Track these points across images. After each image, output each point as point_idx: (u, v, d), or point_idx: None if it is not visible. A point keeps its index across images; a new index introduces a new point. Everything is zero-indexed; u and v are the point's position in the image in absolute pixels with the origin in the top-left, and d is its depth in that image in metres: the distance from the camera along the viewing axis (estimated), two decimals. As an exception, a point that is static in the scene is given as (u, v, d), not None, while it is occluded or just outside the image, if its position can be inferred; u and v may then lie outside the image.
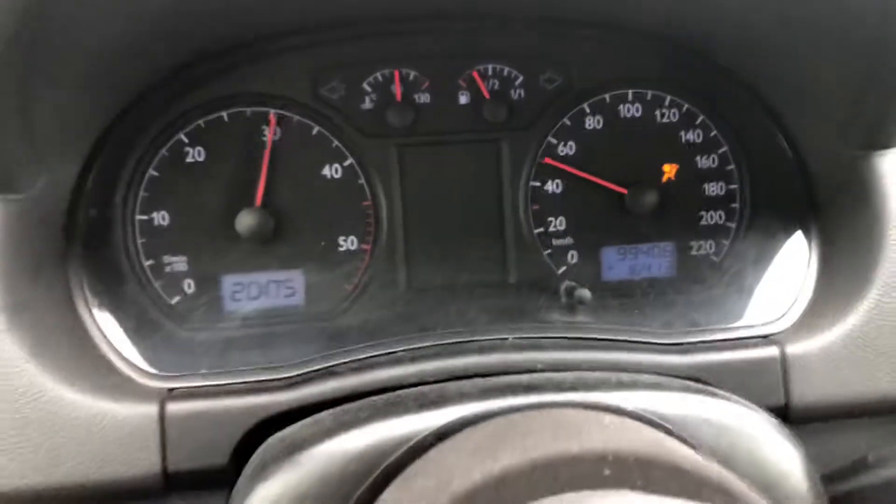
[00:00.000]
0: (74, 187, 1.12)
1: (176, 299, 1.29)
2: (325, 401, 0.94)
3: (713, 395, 0.82)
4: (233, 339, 1.26)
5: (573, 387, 0.80)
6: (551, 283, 1.37)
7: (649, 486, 0.59)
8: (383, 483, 0.69)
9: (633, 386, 0.81)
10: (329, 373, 1.00)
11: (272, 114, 1.32)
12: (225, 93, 1.30)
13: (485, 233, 1.39)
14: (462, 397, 0.78)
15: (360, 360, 1.03)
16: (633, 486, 0.59)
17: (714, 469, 0.63)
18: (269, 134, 1.31)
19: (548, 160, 1.39)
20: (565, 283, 1.30)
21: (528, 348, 1.04)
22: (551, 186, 1.40)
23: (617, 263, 1.41)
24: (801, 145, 1.28)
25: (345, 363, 1.03)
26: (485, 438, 0.70)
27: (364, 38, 1.35)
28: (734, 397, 0.83)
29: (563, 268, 1.40)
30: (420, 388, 0.87)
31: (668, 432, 0.74)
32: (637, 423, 0.73)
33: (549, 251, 1.40)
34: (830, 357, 1.07)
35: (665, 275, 1.42)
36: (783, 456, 0.78)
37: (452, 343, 1.07)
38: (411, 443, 0.72)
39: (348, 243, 1.35)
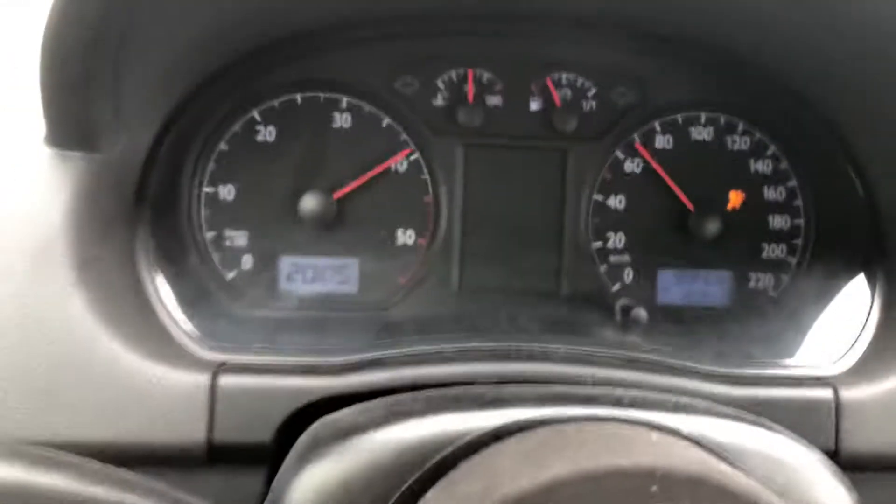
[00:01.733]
0: (149, 153, 1.14)
1: (233, 274, 1.31)
2: (374, 390, 0.95)
3: (770, 429, 0.81)
4: (285, 320, 1.27)
5: (631, 404, 0.79)
6: (605, 299, 1.36)
7: (696, 506, 0.59)
8: (431, 478, 0.69)
9: (690, 410, 0.80)
10: (379, 363, 1.01)
11: (347, 102, 1.33)
12: (301, 77, 1.32)
13: (542, 241, 1.39)
14: (519, 401, 0.78)
15: (410, 353, 1.03)
16: None
17: (761, 492, 0.62)
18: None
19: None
20: (621, 301, 1.29)
21: (579, 362, 1.03)
22: (614, 202, 1.39)
23: (673, 287, 1.40)
24: (873, 185, 1.24)
25: (395, 355, 1.03)
26: (536, 445, 0.70)
27: (442, 36, 1.36)
28: (791, 434, 0.81)
29: (618, 285, 1.39)
30: (477, 386, 0.87)
31: (720, 457, 0.73)
32: (688, 444, 0.73)
33: (606, 267, 1.39)
34: (886, 405, 1.04)
35: (721, 304, 1.40)
36: (837, 500, 0.76)
37: (504, 347, 1.06)
38: (464, 440, 0.72)
39: (406, 237, 1.36)
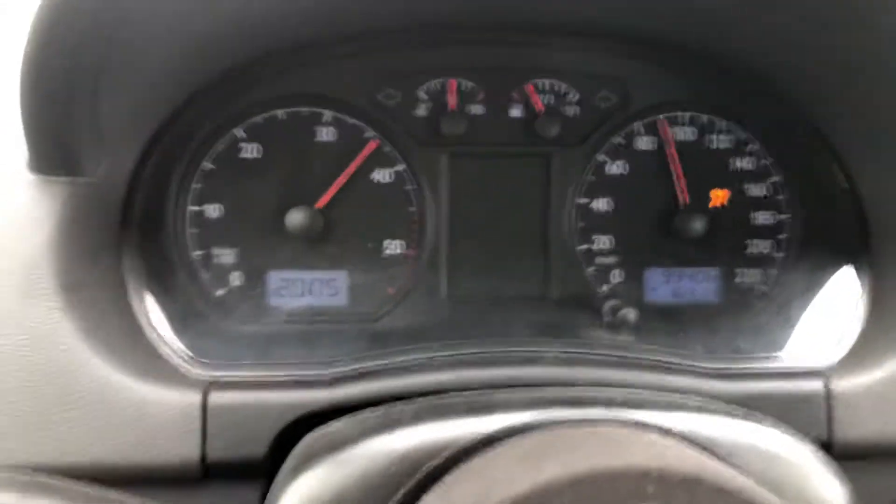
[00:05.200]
0: (133, 175, 1.14)
1: (222, 292, 1.31)
2: (365, 401, 0.95)
3: (762, 422, 0.81)
4: (276, 335, 1.27)
5: (623, 404, 0.79)
6: (593, 301, 1.36)
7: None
8: (425, 486, 0.69)
9: (682, 408, 0.81)
10: (371, 374, 1.01)
11: (333, 116, 1.34)
12: (283, 92, 1.33)
13: (530, 247, 1.39)
14: (510, 406, 0.78)
15: (401, 363, 1.04)
16: None
17: (757, 491, 0.63)
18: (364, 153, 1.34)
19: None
20: (611, 303, 1.30)
21: (571, 364, 1.03)
22: (599, 204, 1.40)
23: (661, 286, 1.40)
24: (856, 178, 1.25)
25: (386, 365, 1.03)
26: (529, 449, 0.70)
27: (422, 47, 1.37)
28: (783, 427, 0.82)
29: (606, 286, 1.40)
30: (467, 393, 0.87)
31: (714, 455, 0.73)
32: (682, 443, 0.73)
33: (593, 269, 1.40)
34: (877, 395, 1.04)
35: (710, 300, 1.41)
36: (831, 492, 0.76)
37: (494, 353, 1.07)
38: (456, 447, 0.72)
39: (393, 248, 1.36)
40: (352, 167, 1.34)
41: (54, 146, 0.94)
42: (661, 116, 1.40)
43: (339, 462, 0.73)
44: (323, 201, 1.33)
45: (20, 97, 0.87)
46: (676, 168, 1.39)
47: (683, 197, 1.39)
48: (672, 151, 1.39)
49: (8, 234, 0.96)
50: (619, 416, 0.77)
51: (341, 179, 1.34)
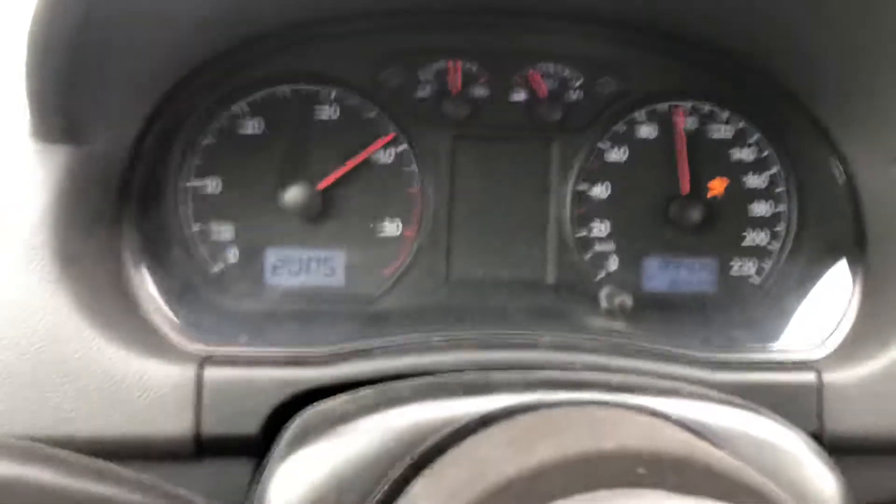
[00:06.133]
0: (133, 147, 1.13)
1: (218, 267, 1.30)
2: (361, 380, 0.95)
3: (755, 411, 0.82)
4: (272, 313, 1.27)
5: (618, 388, 0.80)
6: (590, 287, 1.36)
7: (683, 487, 0.60)
8: (419, 465, 0.69)
9: (676, 394, 0.81)
10: (366, 353, 1.01)
11: (333, 94, 1.33)
12: (286, 69, 1.32)
13: (528, 231, 1.39)
14: (506, 387, 0.79)
15: (397, 343, 1.04)
16: (666, 487, 0.60)
17: (748, 473, 0.63)
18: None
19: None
20: (607, 289, 1.30)
21: (566, 349, 1.04)
22: (598, 190, 1.40)
23: (658, 274, 1.41)
24: (853, 172, 1.26)
25: (382, 345, 1.03)
26: (522, 431, 0.70)
27: (426, 28, 1.36)
28: (776, 416, 0.82)
29: (603, 273, 1.40)
30: (464, 373, 0.87)
31: (706, 438, 0.74)
32: (674, 426, 0.73)
33: (590, 255, 1.40)
34: (869, 388, 1.05)
35: (706, 290, 1.41)
36: (823, 481, 0.77)
37: (490, 335, 1.07)
38: (452, 427, 0.73)
39: (392, 228, 1.36)
40: (363, 155, 1.34)
41: (56, 115, 0.94)
42: (673, 104, 1.40)
43: (333, 439, 0.74)
44: (325, 183, 1.32)
45: (25, 65, 0.87)
46: (682, 156, 1.39)
47: (686, 185, 1.39)
48: (681, 139, 1.39)
49: (7, 201, 0.96)
50: (613, 399, 0.78)
51: (349, 165, 1.33)
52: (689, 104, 1.40)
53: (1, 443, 0.62)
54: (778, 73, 1.31)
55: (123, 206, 1.12)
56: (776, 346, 1.20)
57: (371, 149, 1.34)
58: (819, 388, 1.06)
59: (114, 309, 1.02)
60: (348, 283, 1.35)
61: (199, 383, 0.96)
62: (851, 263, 1.24)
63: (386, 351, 1.01)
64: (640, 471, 0.60)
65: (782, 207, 1.41)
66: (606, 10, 1.32)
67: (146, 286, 1.10)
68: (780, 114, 1.37)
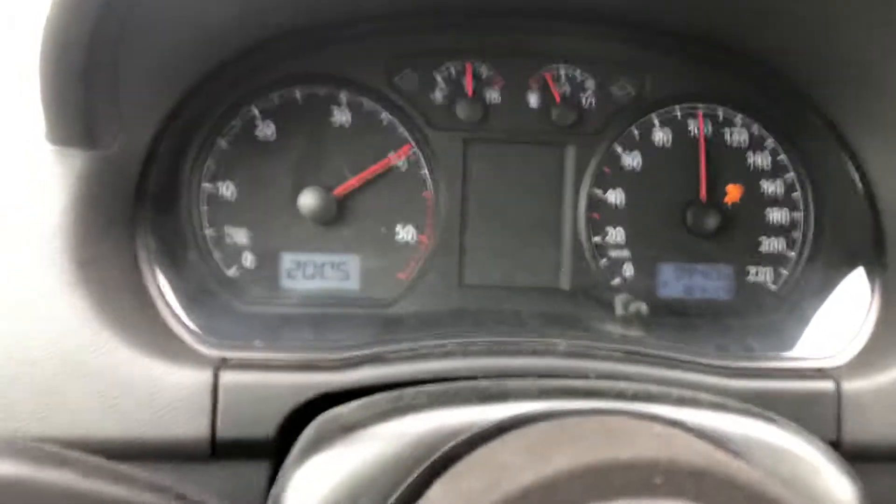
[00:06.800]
0: (148, 151, 1.14)
1: (233, 271, 1.31)
2: (376, 385, 0.95)
3: (773, 420, 0.81)
4: (287, 317, 1.27)
5: (635, 397, 0.79)
6: (605, 293, 1.35)
7: (701, 497, 0.59)
8: (434, 473, 0.69)
9: (693, 403, 0.81)
10: (381, 358, 1.01)
11: (347, 97, 1.34)
12: (300, 72, 1.32)
13: (542, 236, 1.39)
14: (522, 395, 0.78)
15: (412, 349, 1.04)
16: (685, 496, 0.59)
17: (766, 483, 0.62)
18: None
19: None
20: (622, 296, 1.29)
21: (581, 356, 1.03)
22: (613, 196, 1.39)
23: (673, 281, 1.40)
24: (872, 178, 1.25)
25: (397, 351, 1.03)
26: (539, 439, 0.70)
27: (441, 31, 1.36)
28: (794, 425, 0.82)
29: (618, 279, 1.39)
30: (479, 381, 0.87)
31: (723, 447, 0.73)
32: (691, 435, 0.73)
33: (606, 261, 1.39)
34: (888, 396, 1.04)
35: (721, 297, 1.40)
36: (842, 490, 0.76)
37: (505, 342, 1.07)
38: (467, 435, 0.72)
39: (406, 233, 1.36)
40: (382, 164, 1.34)
41: (73, 118, 0.94)
42: (690, 107, 1.39)
43: (349, 445, 0.73)
44: (342, 190, 1.32)
45: (40, 68, 0.87)
46: (702, 161, 1.38)
47: (704, 191, 1.38)
48: (702, 143, 1.38)
49: (24, 205, 0.97)
50: (630, 408, 0.77)
51: (367, 173, 1.34)
52: (703, 108, 1.39)
53: (15, 444, 0.62)
54: (793, 77, 1.30)
55: (139, 209, 1.12)
56: (793, 353, 1.19)
57: (390, 159, 1.34)
58: (837, 397, 1.05)
59: (130, 312, 1.02)
60: (363, 288, 1.35)
61: (215, 387, 0.96)
62: (869, 270, 1.23)
63: (400, 356, 1.01)
64: (658, 480, 0.60)
65: (799, 214, 1.41)
66: (621, 13, 1.32)
67: (162, 289, 1.10)
68: (795, 118, 1.37)
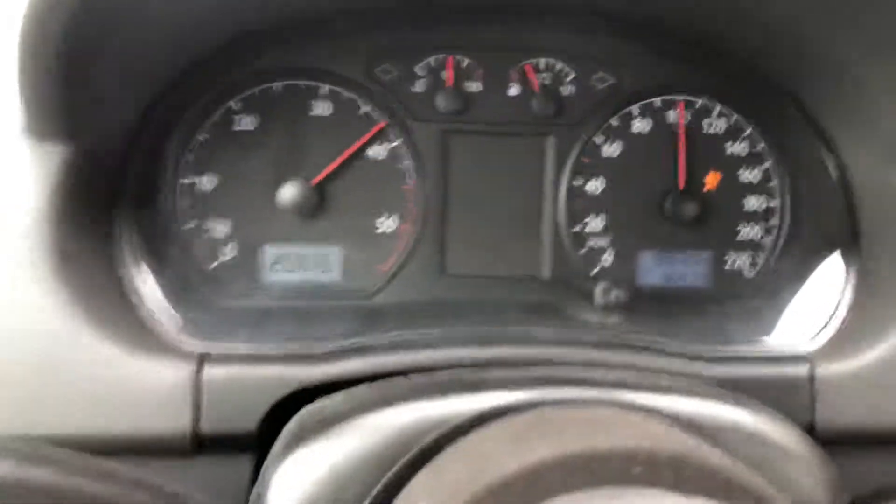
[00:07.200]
0: (127, 144, 1.13)
1: (214, 265, 1.30)
2: (358, 377, 0.95)
3: (748, 406, 0.83)
4: (269, 310, 1.27)
5: (613, 385, 0.80)
6: (585, 282, 1.36)
7: (680, 486, 0.60)
8: (417, 463, 0.70)
9: (669, 390, 0.82)
10: (363, 350, 1.01)
11: (328, 89, 1.33)
12: (280, 65, 1.32)
13: (523, 226, 1.39)
14: (503, 385, 0.79)
15: (394, 340, 1.04)
16: (664, 485, 0.60)
17: (744, 471, 0.64)
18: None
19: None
20: (602, 284, 1.30)
21: (560, 344, 1.04)
22: (593, 185, 1.40)
23: (653, 269, 1.41)
24: (847, 166, 1.26)
25: (379, 342, 1.04)
26: (520, 429, 0.71)
27: (421, 23, 1.36)
28: (768, 410, 0.83)
29: (598, 268, 1.41)
30: (460, 371, 0.87)
31: (700, 435, 0.75)
32: (669, 424, 0.74)
33: (585, 250, 1.40)
34: (862, 381, 1.06)
35: (700, 285, 1.42)
36: (815, 474, 0.78)
37: (487, 331, 1.07)
38: (449, 425, 0.73)
39: (387, 224, 1.36)
40: (355, 146, 1.34)
41: (51, 111, 0.93)
42: (670, 98, 1.40)
43: (332, 437, 0.74)
44: (319, 178, 1.32)
45: (17, 62, 0.87)
46: (681, 150, 1.39)
47: (683, 180, 1.39)
48: (682, 133, 1.39)
49: (1, 200, 0.96)
50: (608, 397, 0.78)
51: (341, 158, 1.33)
52: (681, 98, 1.40)
53: (1, 443, 0.62)
54: (770, 68, 1.31)
55: (118, 203, 1.12)
56: (770, 339, 1.20)
57: (364, 139, 1.34)
58: (812, 381, 1.06)
59: (110, 306, 1.02)
60: (345, 279, 1.35)
61: (197, 381, 0.96)
62: (845, 256, 1.25)
63: (383, 348, 1.02)
64: (636, 470, 0.61)
65: (776, 202, 1.42)
66: (600, 5, 1.32)
67: (143, 283, 1.10)
68: (772, 108, 1.38)
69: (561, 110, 1.38)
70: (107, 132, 1.05)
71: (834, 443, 1.04)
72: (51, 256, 0.95)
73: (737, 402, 0.84)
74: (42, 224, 0.96)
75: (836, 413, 1.06)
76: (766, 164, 1.42)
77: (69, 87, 0.92)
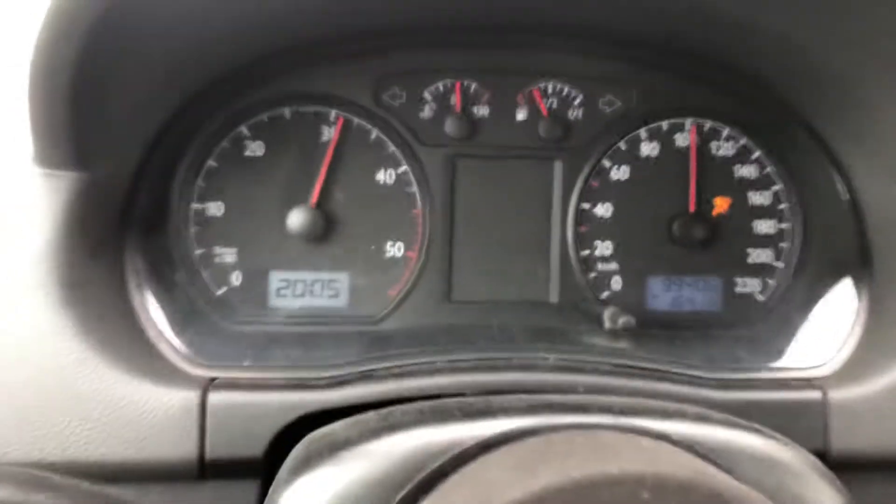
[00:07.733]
0: (136, 171, 1.14)
1: (222, 291, 1.31)
2: (364, 403, 0.95)
3: (759, 431, 0.82)
4: (276, 335, 1.27)
5: (621, 411, 0.80)
6: (594, 307, 1.36)
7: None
8: (423, 490, 0.69)
9: (680, 416, 0.81)
10: (370, 376, 1.01)
11: (335, 115, 1.34)
12: (289, 91, 1.33)
13: (531, 251, 1.39)
14: (508, 411, 0.78)
15: (400, 366, 1.04)
16: None
17: (753, 497, 0.63)
18: (335, 134, 1.33)
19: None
20: (610, 309, 1.29)
21: (569, 370, 1.04)
22: (601, 209, 1.40)
23: (661, 293, 1.40)
24: (857, 189, 1.26)
25: (386, 368, 1.03)
26: (526, 455, 0.70)
27: (429, 48, 1.37)
28: (780, 436, 0.82)
29: (607, 293, 1.40)
30: (465, 397, 0.87)
31: (710, 461, 0.73)
32: (678, 449, 0.73)
33: (594, 275, 1.40)
34: (874, 406, 1.05)
35: (710, 309, 1.41)
36: (829, 500, 0.76)
37: (493, 358, 1.07)
38: (454, 452, 0.73)
39: (395, 249, 1.36)
40: (328, 153, 1.34)
41: (61, 141, 0.94)
42: (679, 121, 1.40)
43: (338, 464, 0.73)
44: (314, 198, 1.32)
45: (28, 91, 0.88)
46: (692, 174, 1.39)
47: (693, 203, 1.39)
48: (693, 154, 1.39)
49: (12, 227, 0.97)
50: (617, 422, 0.78)
51: (323, 170, 1.33)
52: (690, 121, 1.40)
53: (3, 470, 0.62)
54: (779, 90, 1.31)
55: (127, 230, 1.12)
56: (781, 364, 1.19)
57: (332, 143, 1.33)
58: (824, 406, 1.05)
59: (118, 333, 1.02)
60: (352, 305, 1.35)
61: (203, 407, 0.96)
62: (856, 280, 1.24)
63: (389, 374, 1.01)
64: (645, 495, 0.60)
65: (786, 225, 1.41)
66: (607, 30, 1.33)
67: (150, 310, 1.10)
68: (781, 131, 1.38)
69: (568, 134, 1.39)
70: (116, 160, 1.06)
71: (847, 468, 1.02)
72: (59, 284, 0.96)
73: (748, 428, 0.83)
74: (51, 251, 0.97)
75: (849, 438, 1.04)
76: (776, 188, 1.41)
77: (79, 116, 0.93)
